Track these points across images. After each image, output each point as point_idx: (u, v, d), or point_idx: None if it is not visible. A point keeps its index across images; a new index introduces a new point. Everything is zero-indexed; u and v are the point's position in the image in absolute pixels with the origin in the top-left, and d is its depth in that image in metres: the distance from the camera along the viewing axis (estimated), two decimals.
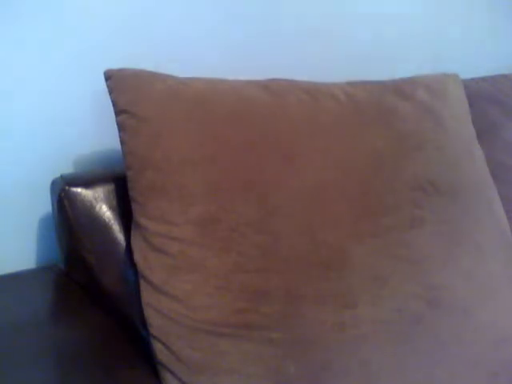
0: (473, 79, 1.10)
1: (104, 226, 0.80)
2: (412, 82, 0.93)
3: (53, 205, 0.85)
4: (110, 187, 0.82)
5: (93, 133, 0.94)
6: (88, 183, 0.82)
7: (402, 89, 0.90)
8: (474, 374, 0.79)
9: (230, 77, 0.82)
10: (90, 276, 0.81)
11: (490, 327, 0.83)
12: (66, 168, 0.92)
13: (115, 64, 0.78)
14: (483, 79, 1.14)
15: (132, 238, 0.76)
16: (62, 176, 0.84)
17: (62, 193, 0.81)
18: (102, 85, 0.77)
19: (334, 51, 1.16)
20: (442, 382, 0.77)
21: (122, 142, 0.76)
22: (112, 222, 0.81)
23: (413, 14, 1.26)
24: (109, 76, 0.77)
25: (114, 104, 0.76)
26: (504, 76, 1.17)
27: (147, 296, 0.72)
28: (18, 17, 0.86)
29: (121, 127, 0.76)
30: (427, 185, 0.85)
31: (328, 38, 1.15)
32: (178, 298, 0.71)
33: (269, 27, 1.08)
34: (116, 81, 0.77)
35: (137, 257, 0.74)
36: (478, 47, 1.35)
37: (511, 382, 0.81)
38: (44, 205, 0.89)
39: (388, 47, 1.23)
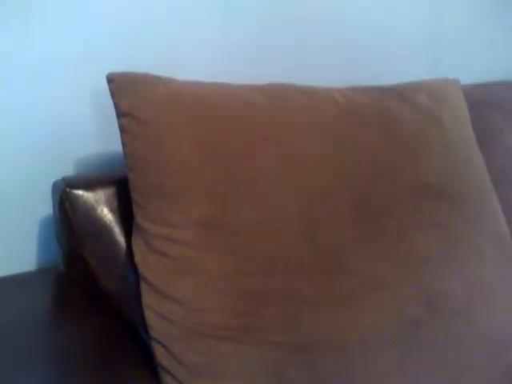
0: (473, 85, 1.10)
1: (105, 229, 0.81)
2: (412, 86, 0.93)
3: (54, 207, 0.85)
4: (111, 189, 0.82)
5: (94, 135, 0.94)
6: (89, 185, 0.82)
7: (402, 93, 0.91)
8: (474, 378, 0.79)
9: (231, 80, 0.83)
10: (91, 278, 0.81)
11: (489, 331, 0.83)
12: (68, 170, 0.92)
13: (117, 66, 0.78)
14: (483, 85, 1.14)
15: (133, 240, 0.76)
16: (63, 178, 0.84)
17: (63, 195, 0.81)
18: (104, 87, 0.77)
19: (333, 55, 1.16)
20: None
21: (123, 145, 0.76)
22: (113, 224, 0.81)
23: (413, 18, 1.26)
24: (111, 79, 0.77)
25: (116, 107, 0.77)
26: (504, 82, 1.17)
27: (148, 298, 0.72)
28: (21, 17, 0.86)
29: (123, 130, 0.76)
30: (427, 189, 0.85)
31: (328, 42, 1.15)
32: (179, 300, 0.71)
33: (269, 31, 1.08)
34: (118, 84, 0.77)
35: (137, 259, 0.74)
36: (478, 52, 1.36)
37: None
38: (45, 207, 0.89)
39: (388, 52, 1.23)
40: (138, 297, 0.73)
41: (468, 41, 1.34)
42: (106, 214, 0.81)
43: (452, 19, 1.32)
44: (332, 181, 0.80)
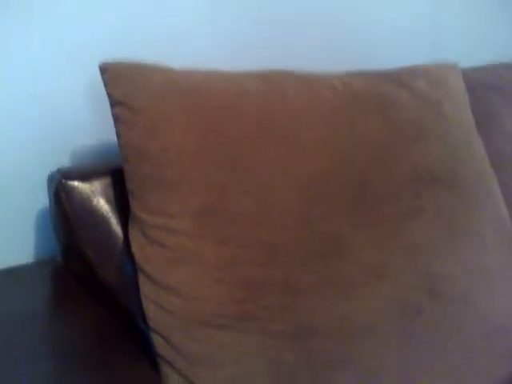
0: (472, 68, 1.09)
1: (101, 220, 0.80)
2: (411, 71, 0.92)
3: (50, 198, 0.84)
4: (108, 180, 0.82)
5: (90, 126, 0.93)
6: (85, 176, 0.82)
7: (401, 78, 0.90)
8: (475, 364, 0.79)
9: (227, 67, 0.82)
10: (88, 269, 0.80)
11: (489, 317, 0.83)
12: (63, 161, 0.92)
13: (111, 55, 0.77)
14: (482, 68, 1.13)
15: (130, 230, 0.75)
16: (58, 169, 0.83)
17: (59, 186, 0.81)
18: (99, 77, 0.77)
19: (331, 40, 1.15)
20: (442, 372, 0.77)
21: (118, 135, 0.75)
22: (109, 215, 0.80)
23: (413, 2, 1.25)
24: (104, 69, 0.76)
25: (110, 96, 0.76)
26: (503, 65, 1.16)
27: (146, 289, 0.72)
28: (18, 10, 0.85)
29: (117, 119, 0.75)
30: (426, 174, 0.85)
31: (325, 27, 1.14)
32: (177, 290, 0.71)
33: (266, 17, 1.08)
34: (111, 73, 0.76)
35: (135, 249, 0.74)
36: (477, 36, 1.34)
37: (511, 373, 0.81)
38: (41, 199, 0.89)
39: (386, 36, 1.22)
40: (135, 287, 0.73)
41: (467, 26, 1.33)
42: (103, 204, 0.81)
43: (451, 4, 1.31)
44: (330, 167, 0.79)
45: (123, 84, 0.76)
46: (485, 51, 1.25)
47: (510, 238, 0.91)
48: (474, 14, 1.35)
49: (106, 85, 0.76)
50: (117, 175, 0.79)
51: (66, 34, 0.90)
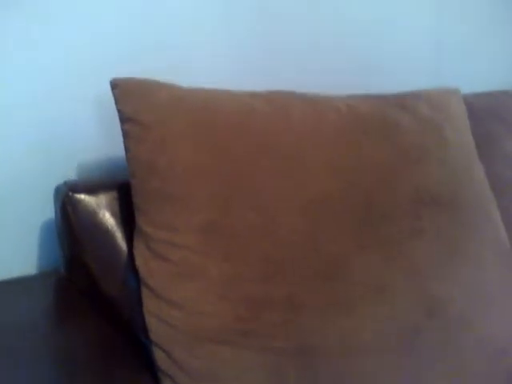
0: (474, 94, 1.11)
1: (106, 233, 0.81)
2: (414, 96, 0.94)
3: (56, 211, 0.85)
4: (114, 194, 0.83)
5: (97, 139, 0.94)
6: (91, 190, 0.82)
7: (404, 102, 0.91)
8: None
9: (233, 83, 0.83)
10: (92, 282, 0.81)
11: (489, 338, 0.83)
12: (70, 174, 0.92)
13: (120, 70, 0.78)
14: (484, 94, 1.15)
15: (134, 244, 0.76)
16: (65, 182, 0.84)
17: (66, 199, 0.82)
18: (107, 91, 0.78)
19: (334, 62, 1.16)
20: None
21: (126, 149, 0.76)
22: (115, 228, 0.81)
23: (415, 27, 1.27)
24: (115, 85, 0.78)
25: (120, 112, 0.77)
26: (504, 91, 1.18)
27: (149, 303, 0.72)
28: (24, 21, 0.87)
29: (126, 135, 0.76)
30: (427, 197, 0.86)
31: (328, 49, 1.16)
32: (180, 305, 0.71)
33: (271, 38, 1.09)
34: (122, 90, 0.77)
35: (139, 263, 0.74)
36: (480, 61, 1.36)
37: None
38: (46, 211, 0.89)
39: (388, 59, 1.23)
40: (138, 301, 0.73)
41: (469, 50, 1.35)
42: (108, 218, 0.81)
43: (454, 28, 1.33)
44: (336, 188, 0.80)
45: (133, 100, 0.77)
46: (487, 76, 1.27)
47: (509, 261, 0.91)
48: (476, 39, 1.36)
49: (116, 101, 0.77)
50: (123, 189, 0.80)
51: (73, 44, 0.91)
